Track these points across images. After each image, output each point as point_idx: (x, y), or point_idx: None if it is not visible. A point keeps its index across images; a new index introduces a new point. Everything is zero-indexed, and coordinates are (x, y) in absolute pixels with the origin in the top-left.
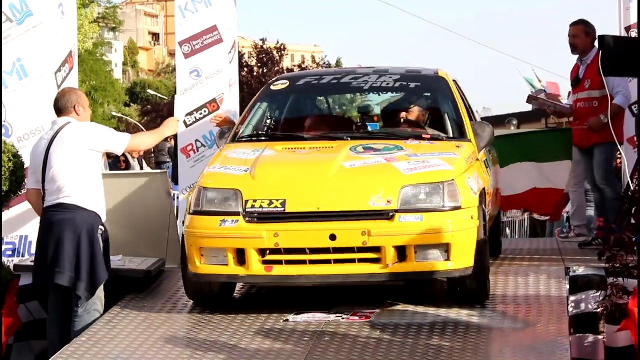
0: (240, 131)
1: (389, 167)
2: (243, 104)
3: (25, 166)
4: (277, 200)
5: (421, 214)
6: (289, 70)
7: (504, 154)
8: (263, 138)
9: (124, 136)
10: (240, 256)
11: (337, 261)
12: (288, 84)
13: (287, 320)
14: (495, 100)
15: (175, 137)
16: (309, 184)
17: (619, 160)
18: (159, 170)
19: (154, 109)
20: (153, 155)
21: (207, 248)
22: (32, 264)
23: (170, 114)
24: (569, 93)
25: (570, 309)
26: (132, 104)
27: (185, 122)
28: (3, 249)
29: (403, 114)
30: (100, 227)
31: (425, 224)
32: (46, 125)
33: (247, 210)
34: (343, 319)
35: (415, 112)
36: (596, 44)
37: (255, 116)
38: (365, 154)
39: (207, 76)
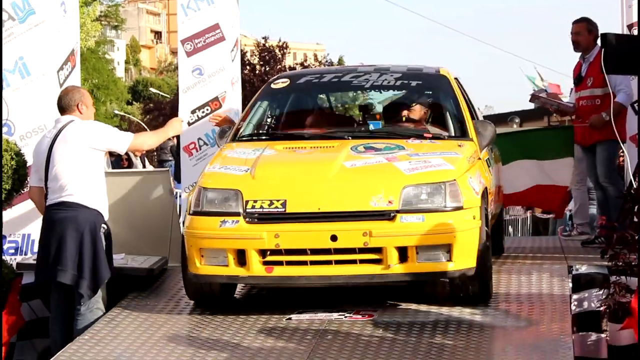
0: (241, 130)
1: (390, 167)
2: (245, 102)
3: (28, 164)
4: (278, 201)
5: (423, 214)
6: (291, 69)
7: (505, 152)
8: (263, 137)
9: (126, 135)
10: (241, 257)
11: (338, 262)
12: (288, 82)
13: (289, 319)
14: (497, 98)
15: (177, 135)
16: (310, 184)
17: (621, 158)
18: (161, 169)
19: (156, 107)
20: (155, 153)
21: (207, 249)
22: (35, 262)
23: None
24: (571, 90)
25: (573, 307)
26: (134, 102)
27: (187, 121)
28: (6, 247)
29: (405, 112)
30: (103, 225)
31: (427, 225)
32: (48, 123)
33: (247, 210)
34: (345, 317)
35: (416, 111)
36: (598, 41)
37: (255, 115)
38: (366, 154)
39: (209, 74)
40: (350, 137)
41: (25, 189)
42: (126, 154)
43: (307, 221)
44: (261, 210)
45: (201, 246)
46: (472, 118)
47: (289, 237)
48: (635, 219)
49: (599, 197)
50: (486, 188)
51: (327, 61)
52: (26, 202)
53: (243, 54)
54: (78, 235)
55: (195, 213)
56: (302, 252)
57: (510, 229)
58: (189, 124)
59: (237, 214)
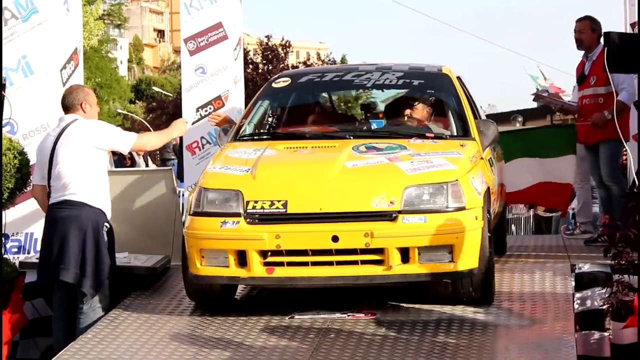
0: (242, 130)
1: (391, 167)
2: (248, 100)
3: (31, 163)
4: (279, 201)
5: (425, 214)
6: (294, 67)
7: (507, 150)
8: (264, 137)
9: (130, 135)
10: (241, 258)
11: (339, 263)
12: (290, 81)
13: (292, 317)
14: (500, 96)
15: None
16: (311, 184)
17: (624, 157)
18: (164, 167)
19: (159, 106)
20: (158, 152)
21: (207, 249)
22: (38, 261)
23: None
24: (574, 88)
25: (576, 306)
26: (137, 101)
27: (192, 120)
28: (9, 246)
29: (407, 112)
30: (106, 224)
31: (429, 225)
32: (51, 122)
33: (248, 211)
34: (348, 316)
35: (419, 110)
36: (602, 40)
37: (256, 114)
38: (368, 154)
39: (212, 73)
40: (351, 137)
41: (28, 188)
42: (129, 152)
43: (308, 222)
44: (262, 210)
45: (202, 247)
46: (475, 117)
47: (290, 237)
48: (638, 218)
49: (602, 196)
50: (488, 188)
51: (329, 60)
52: (29, 201)
53: (246, 53)
54: (81, 234)
55: (196, 213)
56: (303, 253)
57: (513, 228)
58: (192, 122)
59: (238, 215)
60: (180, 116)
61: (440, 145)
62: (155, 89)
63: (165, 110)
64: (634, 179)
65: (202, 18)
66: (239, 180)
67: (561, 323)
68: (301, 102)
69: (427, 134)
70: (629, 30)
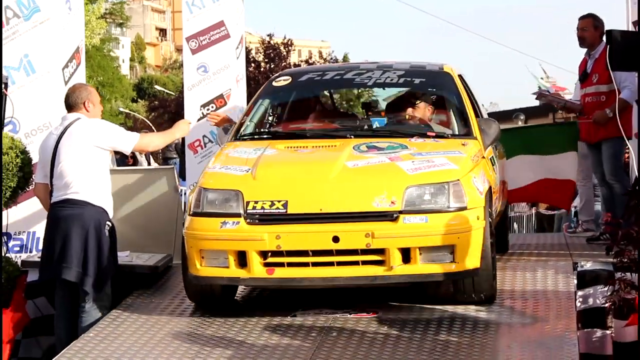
0: (242, 129)
1: (393, 167)
2: (250, 99)
3: (33, 162)
4: (279, 202)
5: (426, 215)
6: (296, 66)
7: (507, 147)
8: (265, 136)
9: (132, 135)
10: (242, 258)
11: (340, 263)
12: (290, 80)
13: (294, 316)
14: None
15: None
16: (311, 184)
17: (626, 155)
18: (166, 166)
19: (161, 104)
20: (160, 151)
21: (207, 250)
22: (40, 259)
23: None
24: (575, 84)
25: (578, 304)
26: (139, 100)
27: (197, 117)
28: (11, 245)
29: (408, 110)
30: (108, 222)
31: (430, 225)
32: (54, 121)
33: (248, 211)
34: (350, 314)
35: (420, 108)
36: (604, 38)
37: (257, 113)
38: (369, 153)
39: (214, 72)
40: (352, 136)
41: (31, 187)
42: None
43: (308, 222)
44: (262, 211)
45: (201, 247)
46: (476, 116)
47: (290, 238)
48: None
49: (604, 194)
50: (490, 187)
51: (332, 58)
52: (31, 200)
53: (248, 52)
54: (83, 233)
55: (196, 214)
56: (303, 253)
57: (515, 226)
58: (197, 120)
59: (238, 215)
60: (183, 115)
61: (442, 144)
62: (157, 87)
63: (167, 109)
64: (636, 176)
65: (204, 17)
66: (239, 180)
67: (563, 321)
68: (302, 101)
69: (429, 133)
70: (631, 28)
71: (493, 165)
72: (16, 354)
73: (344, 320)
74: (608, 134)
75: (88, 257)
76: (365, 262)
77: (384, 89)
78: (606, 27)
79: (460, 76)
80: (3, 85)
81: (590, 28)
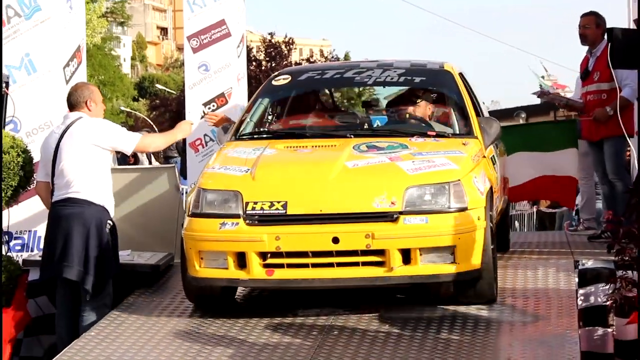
0: (241, 128)
1: (393, 167)
2: (251, 98)
3: (34, 161)
4: (278, 202)
5: (426, 215)
6: (297, 64)
7: (507, 144)
8: (264, 135)
9: (133, 136)
10: (241, 260)
11: (340, 264)
12: (290, 78)
13: (295, 315)
14: (505, 96)
15: None
16: (311, 185)
17: (628, 153)
18: (167, 165)
19: (162, 103)
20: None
21: (206, 251)
22: (41, 258)
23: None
24: (576, 81)
25: (580, 302)
26: (140, 99)
27: (200, 114)
28: (12, 244)
29: (409, 109)
30: (109, 221)
31: (431, 226)
32: (55, 120)
33: (247, 212)
34: (352, 313)
35: (420, 107)
36: (606, 36)
37: (256, 112)
38: (369, 153)
39: (215, 70)
40: (352, 136)
41: (32, 186)
42: None
43: (308, 223)
44: (261, 212)
45: (200, 248)
46: (477, 114)
47: (289, 239)
48: None
49: (605, 192)
50: (491, 187)
51: (333, 57)
52: (33, 199)
53: (249, 50)
54: (84, 232)
55: (194, 215)
56: (303, 254)
57: (517, 224)
58: (201, 117)
59: (237, 216)
60: (184, 113)
61: (442, 143)
62: (159, 86)
63: (168, 107)
64: (637, 174)
65: (205, 15)
66: (238, 180)
67: (565, 319)
68: (301, 100)
69: (429, 132)
70: (632, 26)
71: (494, 164)
72: (18, 352)
73: (345, 319)
74: (610, 133)
75: (89, 256)
76: (365, 263)
77: (384, 87)
78: (609, 25)
79: (460, 74)
80: (4, 84)
81: (592, 26)
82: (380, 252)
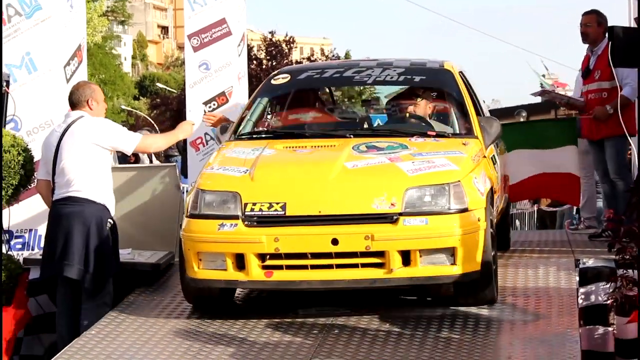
0: (240, 128)
1: (392, 168)
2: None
3: (35, 159)
4: (277, 203)
5: (426, 216)
6: (298, 63)
7: (507, 142)
8: (263, 135)
9: (134, 136)
10: (240, 261)
11: (339, 266)
12: (289, 77)
13: (296, 314)
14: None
15: None
16: (310, 186)
17: (629, 152)
18: (168, 164)
19: (163, 102)
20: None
21: (205, 252)
22: (41, 257)
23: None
24: (576, 79)
25: (580, 301)
26: (141, 97)
27: (203, 112)
28: (13, 242)
29: (409, 109)
30: (109, 220)
31: (431, 227)
32: (55, 119)
33: (246, 213)
34: (352, 311)
35: (420, 107)
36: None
37: (255, 112)
38: (368, 153)
39: (216, 69)
40: (351, 136)
41: (32, 185)
42: None
43: (307, 224)
44: (260, 213)
45: (199, 250)
46: (477, 114)
47: (288, 240)
48: None
49: (605, 191)
50: (491, 187)
51: (333, 56)
52: (33, 197)
53: (250, 49)
54: (84, 230)
55: (193, 216)
56: (302, 256)
57: (517, 223)
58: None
59: (236, 217)
60: (184, 112)
61: (442, 144)
62: (159, 85)
63: (169, 106)
64: (638, 174)
65: (205, 14)
66: (237, 181)
67: (565, 318)
68: (301, 99)
69: (429, 132)
70: (633, 24)
71: (494, 163)
72: (18, 351)
73: (346, 317)
74: (611, 132)
75: (90, 255)
76: (364, 265)
77: (384, 86)
78: (610, 24)
79: (461, 73)
80: (5, 83)
81: (593, 24)
82: (380, 254)
